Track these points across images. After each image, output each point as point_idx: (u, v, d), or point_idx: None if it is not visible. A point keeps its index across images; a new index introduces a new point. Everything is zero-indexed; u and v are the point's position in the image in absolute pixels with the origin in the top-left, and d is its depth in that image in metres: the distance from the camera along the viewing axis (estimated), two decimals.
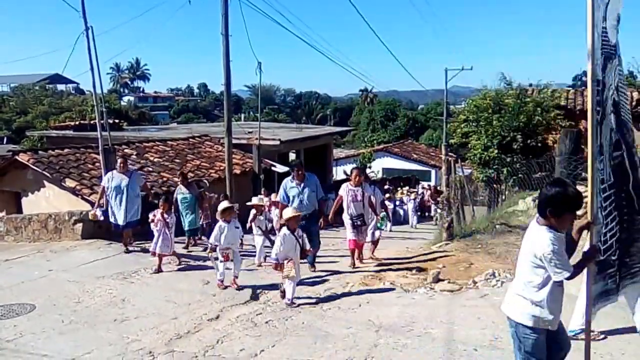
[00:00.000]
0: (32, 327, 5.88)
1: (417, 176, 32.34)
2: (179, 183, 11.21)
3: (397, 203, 20.73)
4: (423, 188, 26.17)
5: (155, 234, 8.42)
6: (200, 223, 11.18)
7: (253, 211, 9.37)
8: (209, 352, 5.09)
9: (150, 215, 8.54)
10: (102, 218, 9.86)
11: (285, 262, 6.50)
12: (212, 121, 58.89)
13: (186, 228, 10.69)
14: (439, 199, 16.06)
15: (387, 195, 17.33)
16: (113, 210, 9.54)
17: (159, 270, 8.26)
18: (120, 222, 9.54)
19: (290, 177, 8.34)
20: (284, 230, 6.53)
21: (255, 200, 9.45)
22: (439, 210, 16.68)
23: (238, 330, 5.68)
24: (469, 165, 20.36)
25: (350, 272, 8.47)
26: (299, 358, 4.88)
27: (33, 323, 6.01)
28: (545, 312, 3.22)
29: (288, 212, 6.80)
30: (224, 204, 7.77)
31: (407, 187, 24.81)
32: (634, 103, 16.60)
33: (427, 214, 22.30)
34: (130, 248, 9.82)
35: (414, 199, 20.90)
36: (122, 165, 9.66)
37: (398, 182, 27.39)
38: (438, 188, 19.65)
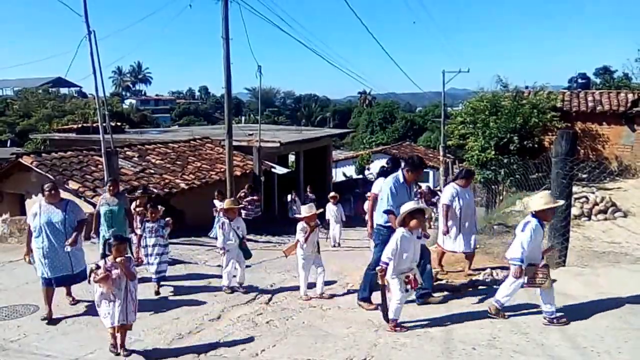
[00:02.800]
0: (35, 328, 5.96)
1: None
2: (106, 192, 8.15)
3: None
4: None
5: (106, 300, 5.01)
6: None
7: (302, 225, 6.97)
8: (211, 352, 5.16)
9: (93, 266, 5.11)
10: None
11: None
12: (213, 124, 58.91)
13: (103, 240, 7.53)
14: (434, 199, 16.05)
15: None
16: (40, 258, 6.23)
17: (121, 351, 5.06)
18: (51, 273, 6.21)
19: (400, 174, 6.21)
20: (403, 231, 5.32)
21: (306, 211, 6.99)
22: (434, 211, 16.59)
23: (239, 330, 5.76)
24: (466, 166, 20.46)
25: (350, 272, 8.53)
26: (300, 357, 4.93)
27: (37, 323, 6.09)
28: None
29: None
30: (227, 203, 7.74)
31: None
32: (628, 104, 16.70)
33: None
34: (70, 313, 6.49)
35: None
36: (52, 192, 6.35)
37: None
38: (432, 189, 19.37)
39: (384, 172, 7.09)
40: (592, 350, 4.56)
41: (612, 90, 19.62)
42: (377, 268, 5.37)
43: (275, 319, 6.09)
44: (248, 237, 11.67)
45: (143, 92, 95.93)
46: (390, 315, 5.35)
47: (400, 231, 5.29)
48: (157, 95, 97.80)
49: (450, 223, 7.46)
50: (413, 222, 5.28)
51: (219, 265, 8.17)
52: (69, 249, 6.22)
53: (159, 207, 7.98)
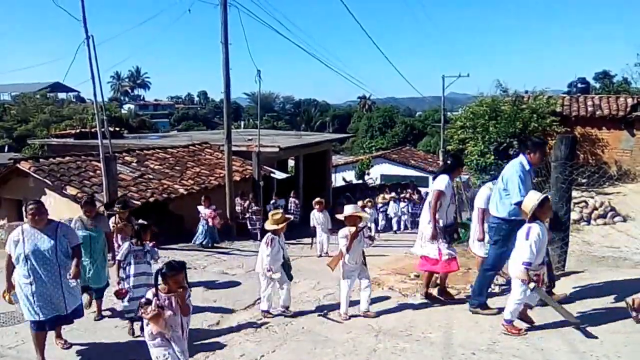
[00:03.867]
0: None
1: (415, 182, 32.39)
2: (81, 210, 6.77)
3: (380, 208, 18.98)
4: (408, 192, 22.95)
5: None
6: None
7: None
8: (210, 358, 5.14)
9: (143, 301, 4.12)
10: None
11: None
12: (212, 129, 58.99)
13: (85, 284, 6.34)
14: None
15: (368, 201, 16.31)
16: (28, 296, 4.98)
17: None
18: (42, 315, 5.00)
19: (522, 160, 5.71)
20: (540, 225, 4.99)
21: (348, 211, 6.11)
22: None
23: (238, 335, 5.74)
24: (466, 171, 20.48)
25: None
26: None
27: None
28: None
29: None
30: (278, 218, 6.45)
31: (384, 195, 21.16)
32: (628, 109, 16.74)
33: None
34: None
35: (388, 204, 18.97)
36: (37, 215, 5.03)
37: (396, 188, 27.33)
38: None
39: (447, 169, 6.45)
40: (592, 355, 4.55)
41: (612, 95, 19.69)
42: (520, 271, 4.89)
43: (274, 324, 6.07)
44: (247, 244, 11.69)
45: (142, 97, 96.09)
46: (507, 316, 5.07)
47: (537, 225, 4.92)
48: (155, 100, 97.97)
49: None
50: (544, 213, 4.98)
51: (223, 273, 8.15)
52: (73, 283, 5.13)
53: (149, 224, 6.44)
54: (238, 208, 15.04)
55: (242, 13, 14.08)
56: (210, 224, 12.38)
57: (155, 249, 6.13)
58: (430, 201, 6.24)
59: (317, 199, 12.28)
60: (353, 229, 5.97)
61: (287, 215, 6.67)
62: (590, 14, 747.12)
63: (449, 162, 6.70)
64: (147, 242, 6.01)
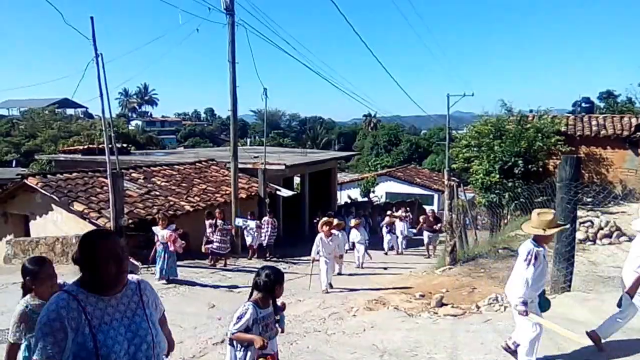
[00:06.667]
0: None
1: (420, 200, 32.37)
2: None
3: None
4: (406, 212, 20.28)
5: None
6: None
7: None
8: None
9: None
10: None
11: None
12: (218, 145, 59.30)
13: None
14: (436, 226, 15.89)
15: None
16: None
17: None
18: None
19: None
20: None
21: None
22: (432, 239, 16.22)
23: None
24: (471, 189, 20.45)
25: (355, 296, 8.52)
26: None
27: None
28: None
29: None
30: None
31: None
32: (632, 128, 16.76)
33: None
34: None
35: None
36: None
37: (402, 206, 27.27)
38: (436, 214, 18.47)
39: None
40: None
41: (616, 115, 19.71)
42: None
43: (279, 343, 6.05)
44: (249, 262, 11.62)
45: (149, 114, 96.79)
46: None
47: None
48: (163, 116, 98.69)
49: None
50: None
51: (228, 290, 8.13)
52: None
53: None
54: (209, 230, 12.84)
55: (249, 32, 14.23)
56: (171, 249, 9.73)
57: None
58: None
59: (337, 222, 11.08)
60: None
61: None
62: (594, 35, 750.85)
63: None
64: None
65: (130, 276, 2.47)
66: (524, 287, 4.57)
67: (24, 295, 3.56)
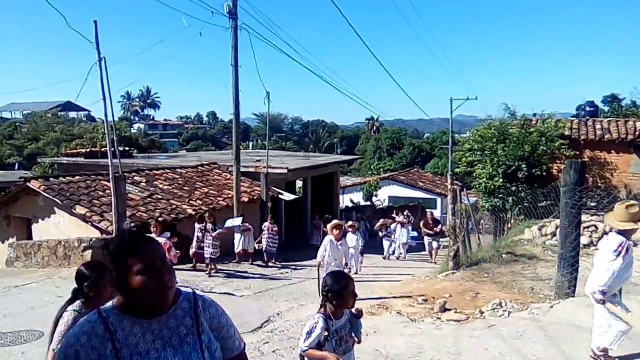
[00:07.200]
0: (41, 354, 5.89)
1: (424, 204, 32.30)
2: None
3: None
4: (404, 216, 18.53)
5: None
6: None
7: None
8: None
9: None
10: None
11: None
12: (220, 149, 59.35)
13: None
14: (437, 229, 15.43)
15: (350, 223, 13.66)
16: None
17: None
18: None
19: None
20: None
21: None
22: (432, 242, 15.65)
23: None
24: (474, 194, 20.39)
25: (358, 304, 8.45)
26: None
27: (42, 350, 6.02)
28: None
29: None
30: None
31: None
32: (637, 132, 16.70)
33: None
34: None
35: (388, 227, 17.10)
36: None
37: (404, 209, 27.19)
38: (436, 218, 16.75)
39: None
40: None
41: (621, 119, 19.64)
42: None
43: (281, 348, 6.02)
44: (251, 267, 11.55)
45: (151, 117, 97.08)
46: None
47: None
48: (165, 120, 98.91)
49: None
50: None
51: (231, 294, 8.08)
52: None
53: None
54: (199, 234, 12.41)
55: (252, 36, 14.23)
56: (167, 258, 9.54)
57: None
58: None
59: (351, 223, 12.22)
60: None
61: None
62: (599, 38, 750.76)
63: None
64: None
65: (186, 290, 2.00)
66: (608, 277, 4.64)
67: (72, 301, 3.28)
